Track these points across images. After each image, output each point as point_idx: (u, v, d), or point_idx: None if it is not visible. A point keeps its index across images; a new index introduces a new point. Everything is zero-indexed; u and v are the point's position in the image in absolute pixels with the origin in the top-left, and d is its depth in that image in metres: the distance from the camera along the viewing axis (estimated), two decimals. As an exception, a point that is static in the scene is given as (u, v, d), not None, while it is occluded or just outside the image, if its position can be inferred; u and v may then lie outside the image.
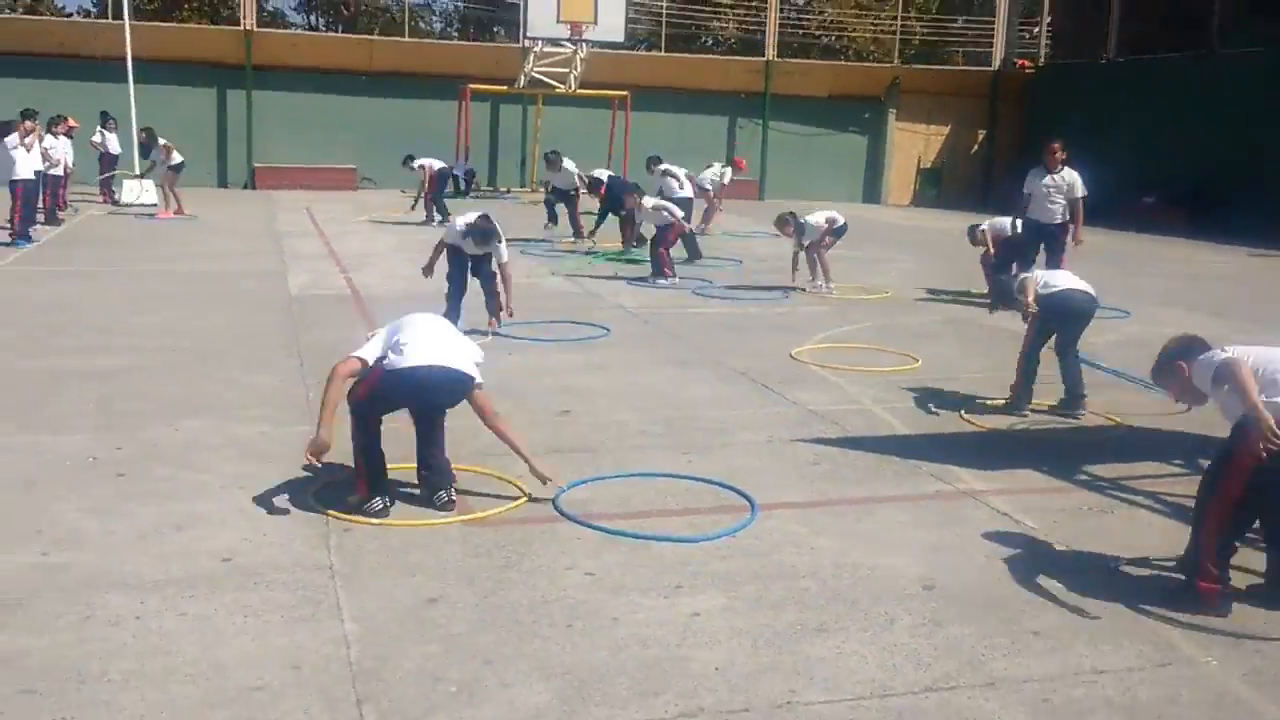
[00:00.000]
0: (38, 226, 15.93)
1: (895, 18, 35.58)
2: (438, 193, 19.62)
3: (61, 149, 18.25)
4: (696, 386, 8.40)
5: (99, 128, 21.64)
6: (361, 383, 5.47)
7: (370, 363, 5.44)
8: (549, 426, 7.15)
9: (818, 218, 13.21)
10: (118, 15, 24.51)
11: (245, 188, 26.94)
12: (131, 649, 3.99)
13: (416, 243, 15.09)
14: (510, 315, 9.88)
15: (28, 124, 15.48)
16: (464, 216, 9.99)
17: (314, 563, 4.83)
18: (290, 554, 4.92)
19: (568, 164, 18.23)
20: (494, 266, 9.86)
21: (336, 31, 40.90)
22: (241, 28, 27.66)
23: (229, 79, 27.09)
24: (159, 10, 36.77)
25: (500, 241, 9.74)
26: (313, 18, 46.12)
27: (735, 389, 8.36)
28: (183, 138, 25.02)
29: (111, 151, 21.80)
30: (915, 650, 4.25)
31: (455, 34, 43.51)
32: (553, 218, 18.36)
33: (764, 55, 30.38)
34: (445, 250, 9.98)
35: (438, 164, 19.79)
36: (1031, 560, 5.19)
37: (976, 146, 31.85)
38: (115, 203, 21.15)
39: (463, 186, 25.86)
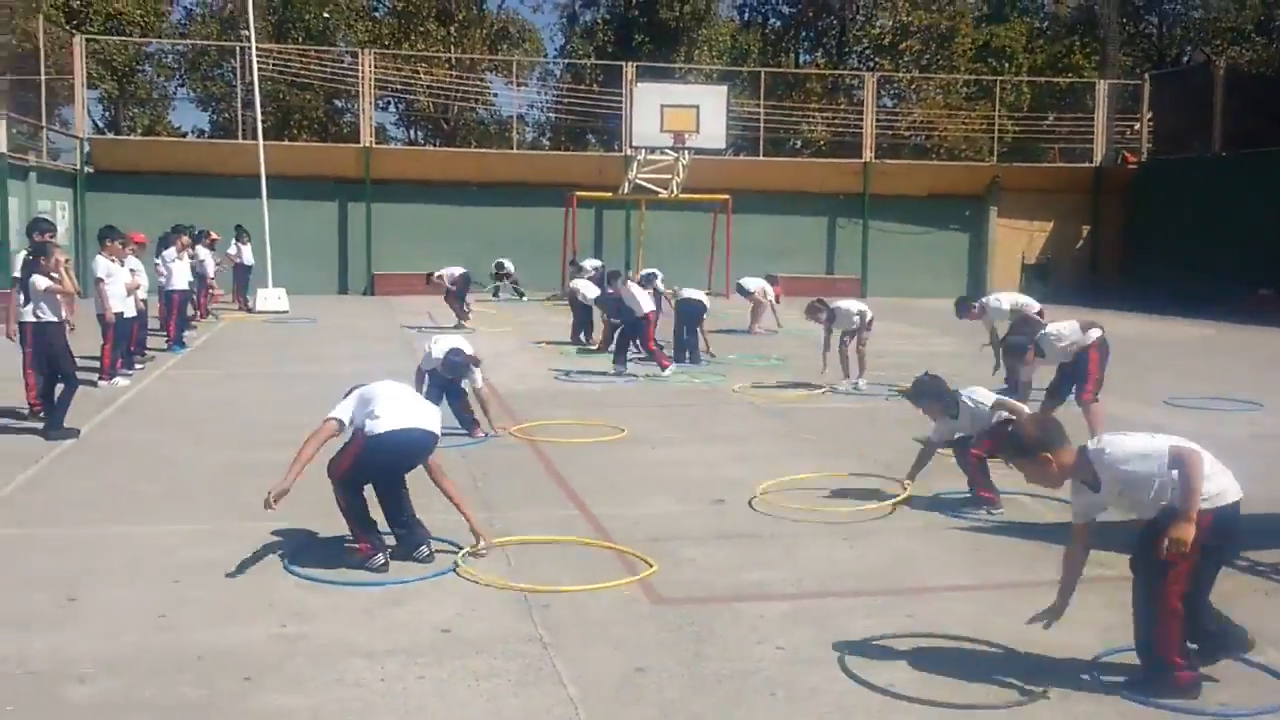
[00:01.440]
0: (188, 333, 16.89)
1: (987, 117, 36.07)
2: (459, 294, 20.38)
3: (208, 261, 19.42)
4: (842, 478, 8.70)
5: (234, 241, 22.89)
6: (344, 454, 6.23)
7: (346, 422, 6.21)
8: (707, 514, 7.51)
9: (850, 304, 13.26)
10: (247, 135, 26.09)
11: (365, 294, 28.09)
12: (386, 707, 4.42)
13: (532, 344, 15.73)
14: (492, 432, 9.88)
15: (184, 238, 16.56)
16: (439, 345, 9.90)
17: (524, 634, 5.24)
18: (500, 627, 5.34)
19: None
20: (469, 387, 9.91)
21: (436, 145, 42.66)
22: (361, 144, 29.15)
23: (349, 192, 28.49)
24: (272, 129, 38.85)
25: (476, 368, 9.82)
26: (413, 132, 48.15)
27: (882, 480, 8.65)
28: (308, 247, 26.56)
29: (245, 263, 23.02)
30: (1099, 718, 4.49)
31: (547, 143, 45.09)
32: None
33: (861, 156, 30.99)
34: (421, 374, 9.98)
35: (458, 270, 20.65)
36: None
37: (1081, 241, 31.89)
38: (250, 310, 22.25)
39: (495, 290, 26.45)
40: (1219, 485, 4.64)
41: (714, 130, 27.02)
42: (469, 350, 9.82)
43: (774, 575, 6.22)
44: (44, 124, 24.82)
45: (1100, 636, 5.36)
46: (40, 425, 9.56)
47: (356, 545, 6.23)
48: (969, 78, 40.88)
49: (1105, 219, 31.40)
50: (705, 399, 12.54)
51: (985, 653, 5.17)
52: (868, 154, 30.94)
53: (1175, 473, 4.55)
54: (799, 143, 41.49)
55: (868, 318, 13.01)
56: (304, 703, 4.45)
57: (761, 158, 32.49)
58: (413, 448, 6.22)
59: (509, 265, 26.06)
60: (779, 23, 49.28)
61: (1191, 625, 4.75)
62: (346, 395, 6.42)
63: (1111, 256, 31.18)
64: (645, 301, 14.35)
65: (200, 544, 6.60)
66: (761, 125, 32.29)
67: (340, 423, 6.22)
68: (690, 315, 15.55)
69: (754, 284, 19.62)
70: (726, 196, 27.68)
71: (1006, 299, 13.13)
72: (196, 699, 4.48)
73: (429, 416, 6.38)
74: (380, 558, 6.13)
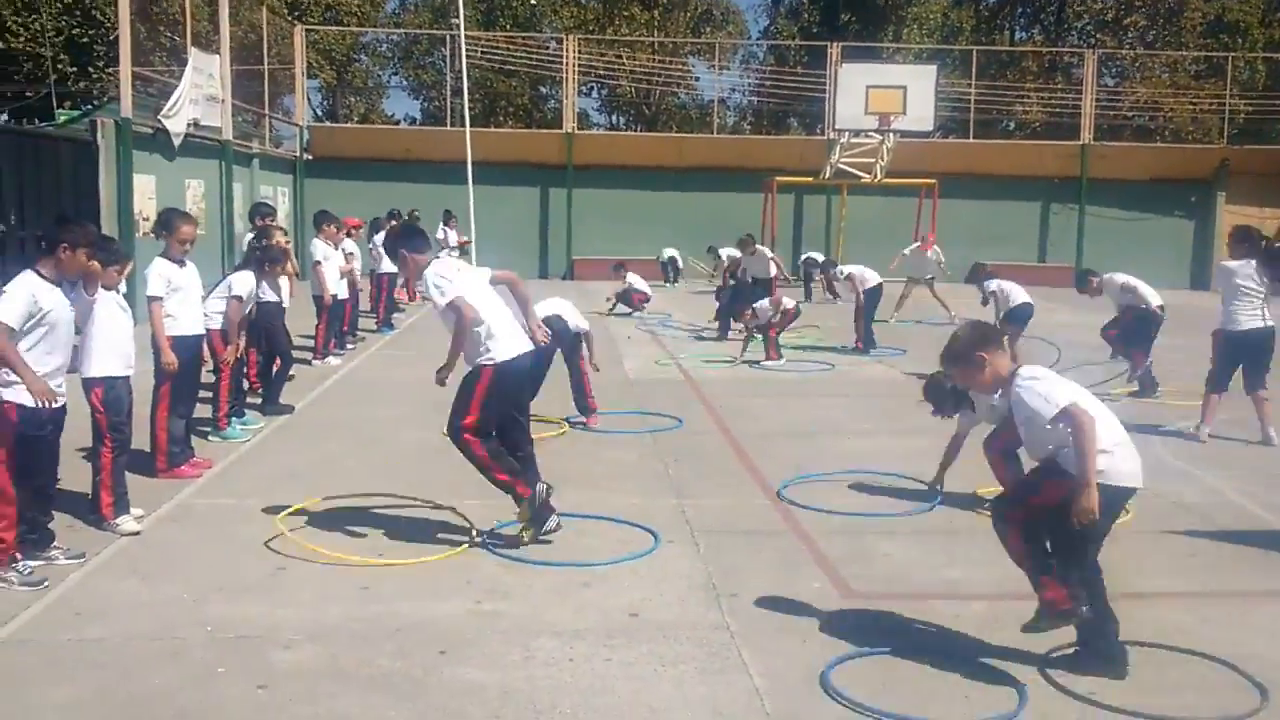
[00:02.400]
0: (396, 315, 17.56)
1: (1217, 96, 33.85)
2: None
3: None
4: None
5: (441, 225, 23.66)
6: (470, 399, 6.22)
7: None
8: (901, 507, 7.30)
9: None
10: (456, 122, 26.95)
11: (564, 278, 28.65)
12: (573, 687, 4.46)
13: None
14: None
15: (394, 223, 17.20)
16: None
17: (711, 622, 5.20)
18: (689, 613, 5.32)
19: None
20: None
21: (637, 130, 43.04)
22: (564, 130, 29.71)
23: (551, 178, 29.09)
24: (479, 116, 40.02)
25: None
26: (615, 117, 48.74)
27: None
28: (510, 232, 27.23)
29: (452, 245, 23.78)
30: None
31: (748, 128, 44.84)
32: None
33: (1079, 138, 29.58)
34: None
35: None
36: None
37: (1319, 230, 29.57)
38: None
39: (671, 276, 26.45)
40: (1110, 462, 4.52)
41: (922, 112, 26.23)
42: (575, 320, 9.67)
43: (974, 574, 5.98)
44: (267, 112, 26.24)
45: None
46: (258, 401, 10.10)
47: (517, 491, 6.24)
48: (1198, 54, 38.45)
49: (1347, 206, 29.01)
50: (901, 388, 12.23)
51: (1193, 662, 4.83)
52: (1086, 136, 29.51)
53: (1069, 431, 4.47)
54: (1012, 124, 39.98)
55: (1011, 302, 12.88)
56: (495, 679, 4.53)
57: (971, 140, 31.45)
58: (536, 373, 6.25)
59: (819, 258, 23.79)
60: (993, -1, 47.59)
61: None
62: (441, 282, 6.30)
63: (1356, 245, 28.77)
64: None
65: (403, 518, 6.83)
66: (972, 106, 31.25)
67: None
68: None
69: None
70: (933, 180, 26.87)
71: (1120, 277, 12.60)
72: (393, 670, 4.62)
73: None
74: (543, 489, 6.24)
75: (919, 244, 20.97)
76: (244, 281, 8.96)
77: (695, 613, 5.33)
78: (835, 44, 29.70)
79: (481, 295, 6.32)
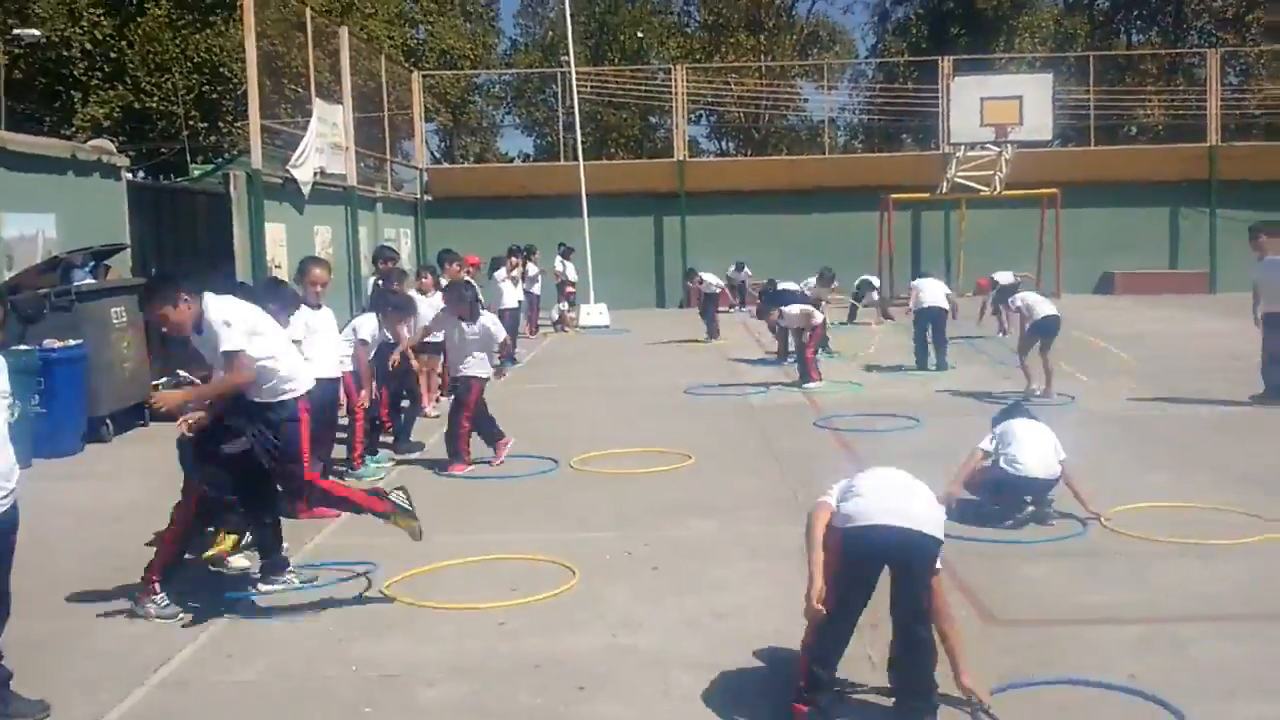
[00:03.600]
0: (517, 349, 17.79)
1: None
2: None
3: (538, 279, 20.49)
4: (1192, 489, 7.98)
5: (558, 257, 23.95)
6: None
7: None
8: (1040, 530, 7.08)
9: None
10: (568, 157, 27.33)
11: (680, 306, 28.67)
12: (712, 721, 4.42)
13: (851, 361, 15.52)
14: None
15: (513, 259, 17.51)
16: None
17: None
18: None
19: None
20: None
21: (747, 154, 43.01)
22: (674, 159, 29.85)
23: (664, 206, 29.21)
24: (592, 149, 40.55)
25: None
26: (724, 143, 48.84)
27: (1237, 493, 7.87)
28: (626, 262, 27.41)
29: (570, 279, 24.03)
30: None
31: (859, 146, 44.43)
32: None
33: (1204, 140, 28.54)
34: None
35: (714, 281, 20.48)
36: None
37: None
38: (576, 326, 23.20)
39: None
40: (855, 507, 4.32)
41: (1039, 121, 25.70)
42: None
43: (1121, 597, 5.77)
44: (388, 157, 26.97)
45: None
46: (390, 439, 10.31)
47: None
48: (1325, 46, 36.85)
49: None
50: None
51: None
52: (1213, 137, 28.45)
53: None
54: (1134, 129, 38.86)
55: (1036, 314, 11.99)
56: (632, 713, 4.53)
57: (1093, 147, 30.59)
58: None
59: (875, 281, 22.83)
60: (1108, 2, 46.42)
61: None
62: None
63: None
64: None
65: (537, 553, 6.88)
66: (1091, 112, 30.43)
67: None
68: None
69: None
70: (1055, 190, 26.22)
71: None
72: (535, 706, 4.65)
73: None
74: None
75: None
76: (367, 325, 9.20)
77: (834, 643, 5.23)
78: (946, 58, 29.28)
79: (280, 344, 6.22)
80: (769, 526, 7.34)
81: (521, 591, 6.09)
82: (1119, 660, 4.92)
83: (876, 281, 23.01)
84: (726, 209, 28.83)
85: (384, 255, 12.49)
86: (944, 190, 26.74)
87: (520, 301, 18.01)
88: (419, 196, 28.73)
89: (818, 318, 14.02)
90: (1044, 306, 12.26)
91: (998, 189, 26.07)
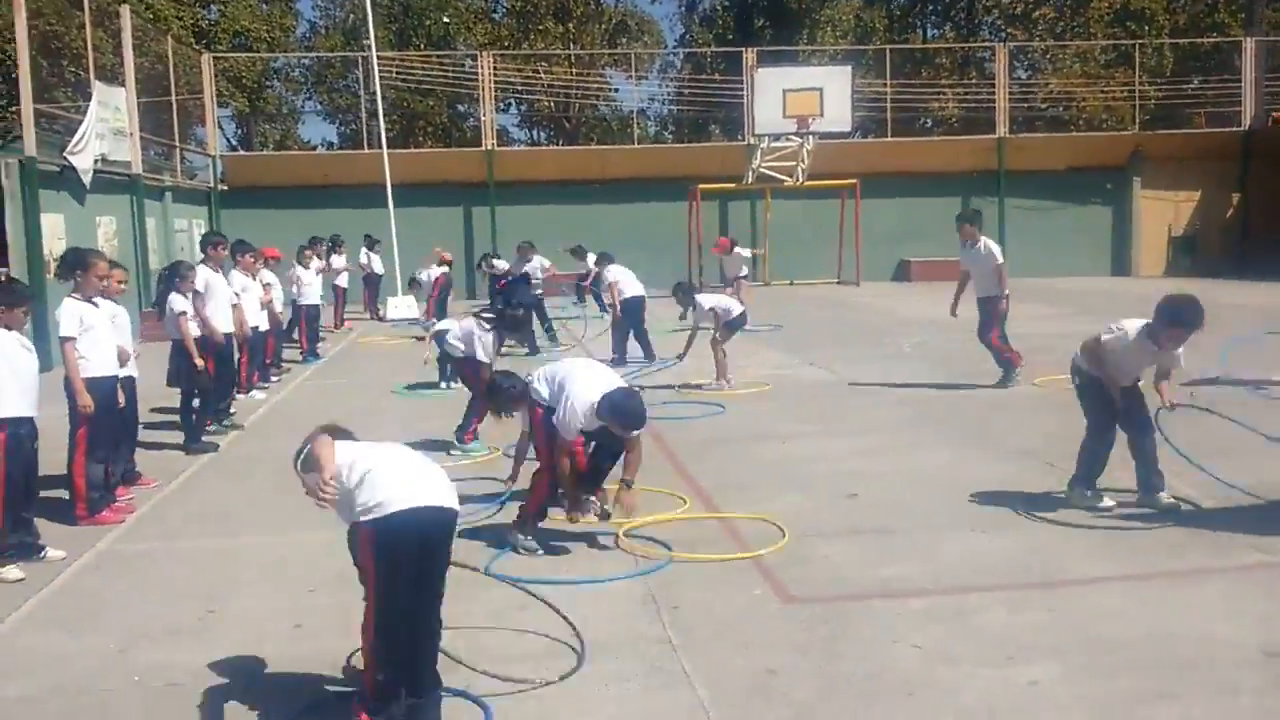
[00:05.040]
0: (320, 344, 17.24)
1: (1127, 84, 34.67)
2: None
3: (344, 271, 19.94)
4: (976, 468, 8.37)
5: (364, 249, 23.38)
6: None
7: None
8: (839, 509, 7.30)
9: (712, 300, 12.48)
10: (373, 145, 26.71)
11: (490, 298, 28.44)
12: (515, 713, 4.40)
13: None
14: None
15: (308, 251, 16.96)
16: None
17: (653, 637, 5.15)
18: (630, 629, 5.26)
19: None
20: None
21: (559, 144, 43.00)
22: (483, 148, 29.55)
23: (473, 196, 28.91)
24: (398, 137, 39.73)
25: None
26: (535, 133, 48.66)
27: (1019, 467, 8.30)
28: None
29: (376, 272, 23.50)
30: (1269, 712, 4.21)
31: (669, 136, 45.00)
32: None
33: (994, 132, 30.08)
34: None
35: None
36: (1380, 628, 5.01)
37: (1231, 210, 30.36)
38: (381, 318, 22.69)
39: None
40: (385, 494, 4.13)
41: (839, 113, 26.57)
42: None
43: (909, 571, 6.00)
44: (178, 144, 25.75)
45: (1260, 628, 5.02)
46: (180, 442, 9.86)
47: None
48: (1107, 44, 39.35)
49: (1256, 186, 29.80)
50: (825, 391, 12.29)
51: (1135, 645, 4.88)
52: (1002, 129, 30.04)
53: None
54: (929, 121, 40.61)
55: (731, 315, 12.22)
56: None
57: (890, 138, 31.85)
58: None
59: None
60: (905, -2, 48.33)
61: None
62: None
63: (1265, 225, 29.56)
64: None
65: (335, 553, 6.65)
66: (889, 105, 31.66)
67: None
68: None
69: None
70: (854, 180, 27.19)
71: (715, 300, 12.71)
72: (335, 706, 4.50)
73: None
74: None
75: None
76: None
77: (636, 628, 5.27)
78: (750, 49, 29.93)
79: None
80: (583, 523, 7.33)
81: (319, 592, 5.91)
82: (906, 632, 5.11)
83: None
84: (537, 199, 28.75)
85: (210, 241, 11.82)
86: (749, 180, 27.38)
87: (321, 296, 17.44)
88: (213, 185, 27.57)
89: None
90: (736, 306, 12.53)
91: (800, 179, 26.85)
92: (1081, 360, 7.11)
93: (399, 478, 4.22)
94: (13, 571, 6.30)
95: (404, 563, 4.15)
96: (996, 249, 11.85)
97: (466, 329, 9.45)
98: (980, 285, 11.89)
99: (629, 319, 14.45)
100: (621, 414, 6.23)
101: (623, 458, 6.57)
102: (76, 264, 7.78)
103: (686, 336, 12.69)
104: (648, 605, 5.57)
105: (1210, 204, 30.22)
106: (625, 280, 14.63)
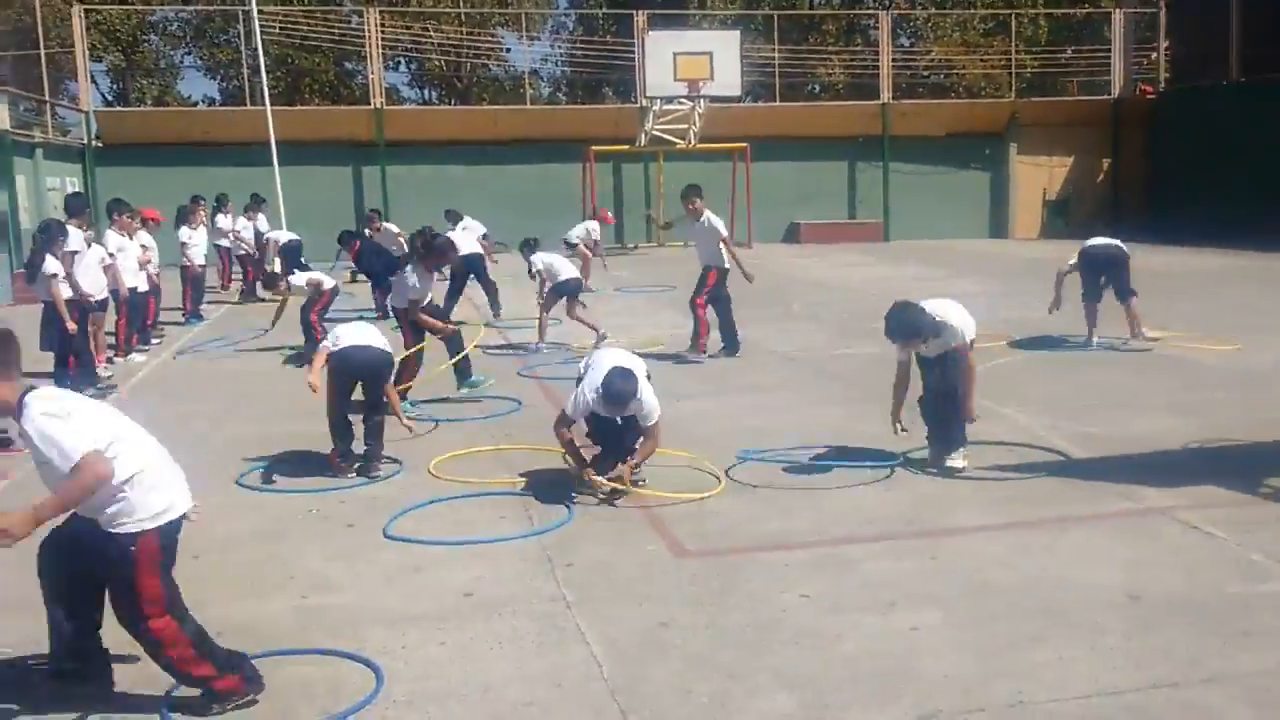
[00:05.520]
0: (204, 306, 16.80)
1: (1005, 52, 35.52)
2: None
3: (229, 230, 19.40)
4: (864, 424, 8.58)
5: (250, 210, 22.72)
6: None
7: None
8: (731, 465, 7.43)
9: (545, 260, 12.58)
10: (257, 102, 25.98)
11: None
12: (405, 674, 4.39)
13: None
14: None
15: (200, 210, 16.50)
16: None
17: (547, 594, 5.20)
18: (523, 587, 5.30)
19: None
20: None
21: (451, 104, 42.35)
22: (372, 106, 28.95)
23: (363, 156, 28.36)
24: (283, 94, 38.62)
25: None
26: (427, 92, 47.77)
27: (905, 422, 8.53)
28: (323, 213, 26.34)
29: (262, 231, 22.89)
30: (1131, 653, 4.45)
31: (563, 98, 44.64)
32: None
33: (879, 98, 30.56)
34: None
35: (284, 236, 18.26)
36: (1231, 568, 5.33)
37: (1102, 175, 31.44)
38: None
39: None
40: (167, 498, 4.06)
41: (729, 78, 26.68)
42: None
43: (796, 524, 6.15)
44: (48, 99, 24.71)
45: (1125, 573, 5.29)
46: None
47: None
48: (986, 13, 40.17)
49: (1126, 151, 30.93)
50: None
51: (1011, 591, 5.10)
52: (885, 95, 30.51)
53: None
54: (816, 87, 40.99)
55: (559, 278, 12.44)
56: (324, 674, 4.42)
57: (778, 103, 32.12)
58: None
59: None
60: (792, -37, 48.49)
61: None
62: None
63: (1133, 189, 30.71)
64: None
65: (221, 519, 6.56)
66: (777, 70, 31.89)
67: None
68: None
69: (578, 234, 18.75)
70: (745, 145, 27.42)
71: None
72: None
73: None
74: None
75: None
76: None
77: (530, 586, 5.32)
78: (641, 12, 29.82)
79: None
80: (480, 479, 7.33)
81: (204, 560, 5.82)
82: (795, 582, 5.26)
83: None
84: (429, 159, 28.35)
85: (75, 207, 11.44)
86: (642, 143, 27.39)
87: (206, 256, 16.96)
88: (87, 142, 26.54)
89: (327, 283, 12.98)
90: (567, 269, 12.67)
91: (692, 142, 26.95)
92: None
93: (170, 475, 4.15)
94: None
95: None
96: (719, 223, 11.89)
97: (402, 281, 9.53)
98: (702, 255, 11.95)
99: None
100: (604, 389, 6.45)
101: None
102: None
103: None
104: (542, 564, 5.61)
105: (1082, 169, 31.23)
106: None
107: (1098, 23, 36.68)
